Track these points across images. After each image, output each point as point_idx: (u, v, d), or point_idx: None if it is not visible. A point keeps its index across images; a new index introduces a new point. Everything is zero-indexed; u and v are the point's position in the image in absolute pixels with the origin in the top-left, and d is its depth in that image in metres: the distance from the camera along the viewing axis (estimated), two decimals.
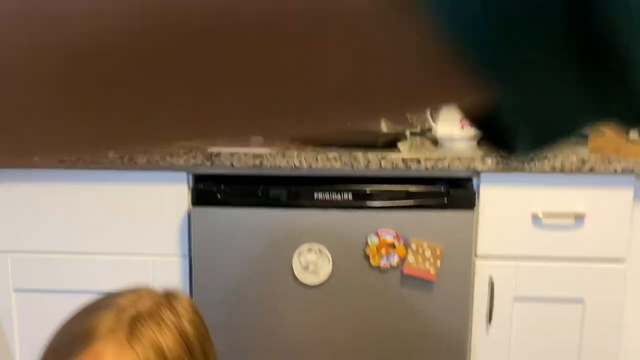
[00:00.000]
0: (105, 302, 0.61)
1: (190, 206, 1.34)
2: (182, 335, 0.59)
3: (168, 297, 0.63)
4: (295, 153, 1.30)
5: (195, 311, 0.65)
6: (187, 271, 1.36)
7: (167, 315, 0.60)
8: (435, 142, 1.48)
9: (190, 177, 1.36)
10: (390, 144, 1.40)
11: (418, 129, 1.63)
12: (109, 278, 1.30)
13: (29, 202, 1.38)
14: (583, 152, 1.30)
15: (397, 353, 1.30)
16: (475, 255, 1.33)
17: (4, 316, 1.41)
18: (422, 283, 1.29)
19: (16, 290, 1.41)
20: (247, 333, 1.33)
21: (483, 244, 1.33)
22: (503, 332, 1.36)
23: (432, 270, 1.28)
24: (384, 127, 1.38)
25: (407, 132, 1.59)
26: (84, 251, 1.38)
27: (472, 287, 1.32)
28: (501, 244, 1.34)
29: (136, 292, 0.63)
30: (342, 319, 1.31)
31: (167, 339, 0.58)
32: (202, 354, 0.61)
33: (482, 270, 1.34)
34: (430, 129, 1.50)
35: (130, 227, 1.38)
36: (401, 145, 1.43)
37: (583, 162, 1.26)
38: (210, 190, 1.31)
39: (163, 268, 1.35)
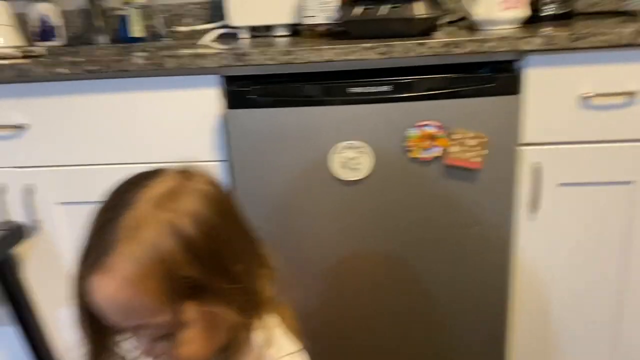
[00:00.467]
0: (135, 189, 0.62)
1: (224, 109, 1.31)
2: (185, 241, 0.59)
3: (174, 191, 0.63)
4: (328, 46, 1.24)
5: (210, 202, 0.64)
6: (227, 176, 1.36)
7: (165, 219, 0.59)
8: (474, 28, 1.40)
9: (222, 79, 1.32)
10: (426, 33, 1.33)
11: (455, 16, 1.54)
12: None
13: (65, 115, 1.37)
14: (635, 25, 1.21)
15: (441, 244, 1.30)
16: (520, 143, 1.29)
17: (51, 229, 1.45)
18: (465, 173, 1.26)
19: (61, 204, 1.44)
20: (292, 232, 1.34)
21: (528, 130, 1.28)
22: (549, 220, 1.33)
23: (476, 159, 1.24)
24: (420, 10, 1.30)
25: (444, 20, 1.51)
26: (122, 162, 1.38)
27: (517, 175, 1.29)
28: (547, 130, 1.29)
29: (159, 174, 0.64)
30: (384, 214, 1.31)
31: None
32: (216, 259, 0.61)
33: (528, 158, 1.30)
34: (468, 16, 1.42)
35: (166, 136, 1.37)
36: (438, 34, 1.35)
37: (638, 33, 1.18)
38: (243, 92, 1.28)
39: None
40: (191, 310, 0.59)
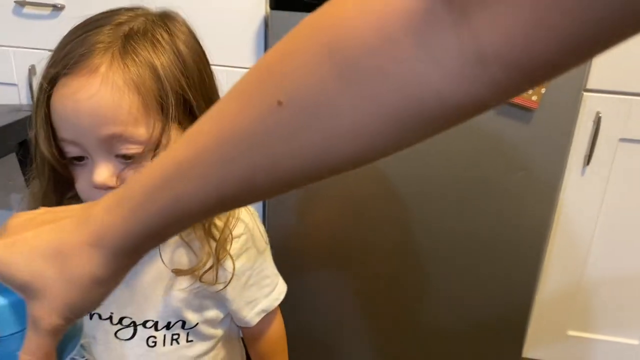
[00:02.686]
0: (102, 19, 0.58)
1: (268, 10, 1.22)
2: (177, 54, 0.57)
3: (164, 17, 0.60)
4: None
5: (192, 33, 0.62)
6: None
7: (161, 34, 0.57)
8: None
9: None
10: None
11: None
12: None
13: None
14: None
15: (481, 186, 1.22)
16: (584, 89, 1.18)
17: None
18: (519, 113, 1.17)
19: None
20: None
21: (594, 76, 1.17)
22: (601, 174, 1.24)
23: (534, 98, 1.14)
24: None
25: None
26: None
27: (576, 123, 1.19)
28: (614, 77, 1.17)
29: (132, 11, 0.60)
30: (426, 148, 1.23)
31: (160, 58, 0.55)
32: (198, 76, 0.58)
33: (590, 106, 1.19)
34: None
35: (204, 35, 1.29)
36: None
37: None
38: None
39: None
40: (173, 132, 0.55)
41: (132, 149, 0.54)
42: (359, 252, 1.30)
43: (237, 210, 0.64)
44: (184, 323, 0.67)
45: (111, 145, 0.54)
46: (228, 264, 0.64)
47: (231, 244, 0.63)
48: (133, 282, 0.64)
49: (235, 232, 0.64)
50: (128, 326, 0.66)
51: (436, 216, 1.25)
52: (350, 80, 0.27)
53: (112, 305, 0.66)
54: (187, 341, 0.67)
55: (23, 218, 0.36)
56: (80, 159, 0.56)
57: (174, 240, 0.62)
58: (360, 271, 1.31)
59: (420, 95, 0.26)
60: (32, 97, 1.34)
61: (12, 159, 1.36)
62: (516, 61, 0.24)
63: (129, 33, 0.55)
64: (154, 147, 0.55)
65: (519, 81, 0.25)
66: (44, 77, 0.55)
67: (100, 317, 0.67)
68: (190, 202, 0.31)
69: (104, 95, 0.52)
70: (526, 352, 1.33)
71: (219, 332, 0.70)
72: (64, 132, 0.55)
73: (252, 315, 0.69)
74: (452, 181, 1.23)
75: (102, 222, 0.32)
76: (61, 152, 0.57)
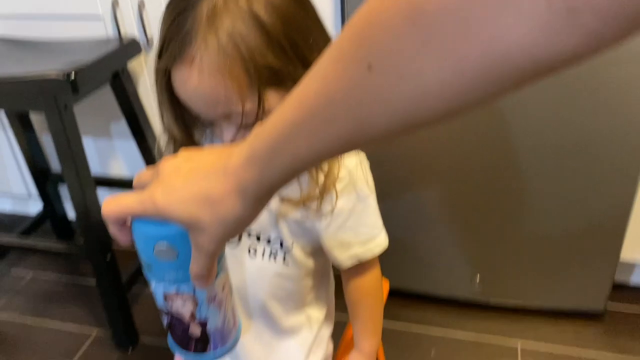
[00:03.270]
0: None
1: None
2: (259, 26, 0.56)
3: None
4: None
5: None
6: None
7: (240, 7, 0.56)
8: None
9: None
10: None
11: None
12: None
13: None
14: None
15: (585, 83, 1.15)
16: None
17: None
18: None
19: None
20: None
21: None
22: None
23: None
24: None
25: None
26: None
27: None
28: None
29: None
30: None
31: (243, 33, 0.56)
32: (286, 41, 0.58)
33: None
34: None
35: None
36: None
37: None
38: None
39: None
40: (274, 97, 0.59)
41: (243, 120, 0.60)
42: (461, 166, 1.28)
43: (351, 159, 0.67)
44: (282, 243, 0.70)
45: (226, 118, 0.61)
46: (330, 200, 0.66)
47: (334, 184, 0.66)
48: None
49: (338, 174, 0.66)
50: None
51: (535, 124, 1.19)
52: (435, 41, 0.27)
53: None
54: (283, 261, 0.71)
55: (171, 165, 0.42)
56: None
57: None
58: (461, 185, 1.30)
59: (507, 51, 0.26)
60: (118, 29, 1.39)
61: (107, 90, 1.43)
62: (609, 6, 0.23)
63: (212, 13, 0.56)
64: (260, 112, 0.59)
65: (616, 28, 0.24)
66: (157, 69, 0.61)
67: None
68: (304, 157, 0.36)
69: (205, 85, 0.57)
70: (624, 254, 1.29)
71: (310, 262, 0.73)
72: (191, 110, 0.61)
73: (343, 258, 0.71)
74: (551, 86, 1.16)
75: (242, 176, 0.38)
76: (187, 125, 0.65)
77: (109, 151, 1.67)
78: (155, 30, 1.39)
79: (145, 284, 1.55)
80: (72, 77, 1.13)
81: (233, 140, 0.62)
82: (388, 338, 1.36)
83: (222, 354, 0.54)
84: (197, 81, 0.57)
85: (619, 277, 1.44)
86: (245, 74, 0.57)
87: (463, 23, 0.26)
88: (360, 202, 0.69)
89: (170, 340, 0.54)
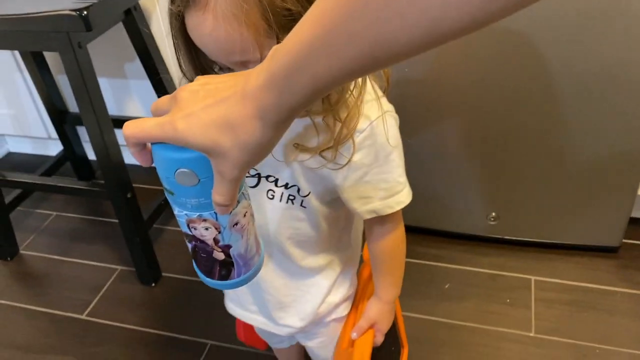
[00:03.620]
0: None
1: None
2: None
3: None
4: None
5: None
6: None
7: None
8: None
9: None
10: None
11: None
12: None
13: None
14: None
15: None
16: None
17: None
18: None
19: None
20: None
21: None
22: None
23: None
24: None
25: None
26: None
27: None
28: None
29: None
30: None
31: None
32: None
33: None
34: None
35: None
36: None
37: None
38: None
39: None
40: None
41: (243, 58, 0.56)
42: (477, 102, 1.27)
43: (361, 106, 0.64)
44: (299, 189, 0.70)
45: (243, 65, 0.57)
46: (347, 151, 0.65)
47: (352, 135, 0.64)
48: None
49: (357, 127, 0.64)
50: (253, 176, 0.71)
51: (554, 57, 1.16)
52: None
53: None
54: (301, 206, 0.71)
55: (189, 90, 0.41)
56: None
57: (302, 116, 0.64)
58: (476, 122, 1.29)
59: None
60: None
61: (121, 30, 1.41)
62: None
63: None
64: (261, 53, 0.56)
65: None
66: (171, 14, 0.58)
67: None
68: (324, 77, 0.35)
69: (219, 30, 0.54)
70: None
71: (329, 210, 0.73)
72: (207, 55, 0.59)
73: (362, 211, 0.70)
74: (571, 13, 1.12)
75: (261, 99, 0.38)
76: (205, 70, 0.62)
77: (125, 91, 1.68)
78: None
79: (166, 221, 1.59)
80: (85, 13, 1.12)
81: None
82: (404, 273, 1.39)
83: (246, 281, 0.55)
84: (211, 27, 0.54)
85: (636, 213, 1.44)
86: (263, 20, 0.54)
87: None
88: (381, 157, 0.67)
89: (195, 267, 0.55)
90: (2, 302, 1.46)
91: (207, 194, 0.45)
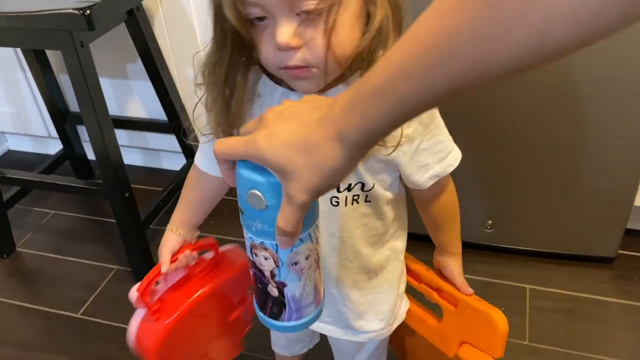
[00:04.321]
0: None
1: None
2: None
3: None
4: None
5: None
6: None
7: None
8: None
9: None
10: None
11: None
12: None
13: None
14: None
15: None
16: None
17: None
18: None
19: None
20: None
21: None
22: None
23: None
24: None
25: None
26: None
27: None
28: None
29: None
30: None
31: None
32: None
33: None
34: None
35: None
36: None
37: None
38: None
39: None
40: None
41: (312, 4, 0.54)
42: (476, 110, 1.27)
43: None
44: (363, 185, 0.70)
45: (292, 2, 0.54)
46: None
47: None
48: None
49: None
50: None
51: (552, 69, 1.17)
52: None
53: None
54: (366, 201, 0.71)
55: (275, 111, 0.43)
56: (261, 19, 0.57)
57: None
58: (475, 129, 1.29)
59: None
60: None
61: (123, 31, 1.42)
62: None
63: None
64: (333, 5, 0.55)
65: None
66: None
67: None
68: (412, 100, 0.34)
69: None
70: (638, 201, 1.29)
71: (390, 194, 0.73)
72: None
73: (424, 180, 0.70)
74: None
75: (343, 121, 0.37)
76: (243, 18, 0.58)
77: (126, 92, 1.69)
78: None
79: (164, 222, 1.58)
80: (88, 12, 1.13)
81: (290, 37, 0.55)
82: None
83: (294, 329, 0.54)
84: None
85: (632, 224, 1.44)
86: None
87: None
88: (432, 122, 0.68)
89: (254, 298, 0.55)
90: None
91: (272, 222, 0.44)
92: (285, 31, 0.55)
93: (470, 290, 0.81)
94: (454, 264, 0.83)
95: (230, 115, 0.65)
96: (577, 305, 1.31)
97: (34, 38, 1.23)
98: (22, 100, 1.81)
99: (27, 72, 1.69)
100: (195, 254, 0.82)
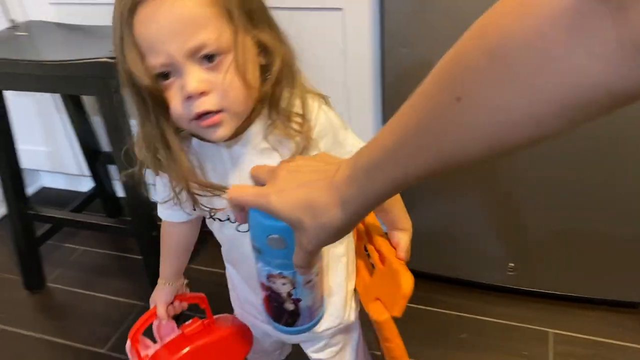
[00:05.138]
0: None
1: None
2: None
3: None
4: None
5: None
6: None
7: None
8: None
9: None
10: None
11: None
12: None
13: None
14: None
15: None
16: None
17: None
18: None
19: None
20: None
21: None
22: None
23: None
24: None
25: None
26: None
27: None
28: None
29: None
30: None
31: None
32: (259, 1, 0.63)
33: None
34: None
35: None
36: None
37: None
38: None
39: None
40: (241, 36, 0.60)
41: (216, 51, 0.59)
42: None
43: (313, 107, 0.69)
44: None
45: (196, 53, 0.58)
46: (315, 149, 0.69)
47: (314, 130, 0.68)
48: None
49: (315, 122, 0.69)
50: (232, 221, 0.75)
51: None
52: (515, 78, 0.31)
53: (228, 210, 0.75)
54: None
55: (287, 169, 0.49)
56: (166, 76, 0.60)
57: (262, 148, 0.69)
58: (501, 174, 1.30)
59: (582, 86, 0.28)
60: None
61: None
62: None
63: None
64: (231, 50, 0.59)
65: None
66: (123, 6, 0.58)
67: (220, 219, 0.76)
68: (398, 180, 0.40)
69: (182, 9, 0.57)
70: None
71: None
72: (151, 55, 0.59)
73: None
74: None
75: (344, 191, 0.44)
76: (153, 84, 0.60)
77: None
78: None
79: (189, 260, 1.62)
80: None
81: (198, 83, 0.59)
82: (420, 320, 1.39)
83: (307, 329, 0.62)
84: (169, 7, 0.56)
85: None
86: (224, 4, 0.59)
87: (540, 62, 0.29)
88: (337, 130, 0.71)
89: (264, 312, 0.63)
90: (26, 333, 1.50)
91: (291, 257, 0.51)
92: (193, 78, 0.58)
93: (402, 255, 0.79)
94: (402, 237, 0.81)
95: (178, 173, 0.68)
96: (602, 351, 1.29)
97: (71, 84, 1.30)
98: (57, 139, 1.89)
99: (63, 113, 1.77)
100: (185, 304, 0.92)
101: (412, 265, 0.73)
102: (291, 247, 0.50)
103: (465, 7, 1.04)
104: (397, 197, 0.81)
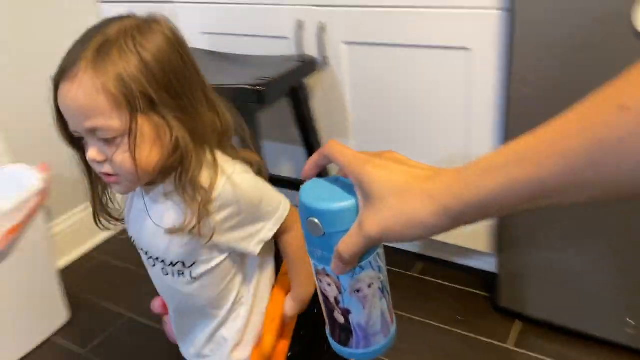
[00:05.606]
0: (94, 29, 0.68)
1: None
2: (140, 60, 0.65)
3: (140, 26, 0.68)
4: None
5: (171, 42, 0.69)
6: (506, 24, 1.20)
7: (127, 44, 0.65)
8: None
9: None
10: None
11: None
12: (430, 31, 1.33)
13: None
14: None
15: None
16: None
17: (336, 66, 1.52)
18: None
19: (347, 44, 1.47)
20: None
21: None
22: None
23: None
24: None
25: None
26: (410, 5, 1.33)
27: None
28: None
29: (119, 21, 0.68)
30: None
31: (124, 64, 0.64)
32: (162, 76, 0.66)
33: None
34: None
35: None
36: None
37: None
38: None
39: (479, 21, 1.25)
40: (143, 122, 0.66)
41: (109, 135, 0.67)
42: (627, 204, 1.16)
43: (219, 180, 0.72)
44: (183, 263, 0.78)
45: (94, 132, 0.67)
46: (211, 220, 0.71)
47: (213, 204, 0.71)
48: (143, 230, 0.80)
49: (218, 194, 0.72)
50: (150, 258, 0.82)
51: None
52: None
53: (142, 242, 0.82)
54: (191, 277, 0.78)
55: (395, 156, 0.44)
56: (81, 139, 0.71)
57: (164, 201, 0.75)
58: (625, 222, 1.19)
59: None
60: (301, 48, 1.51)
61: (284, 101, 1.53)
62: None
63: (103, 44, 0.65)
64: (126, 134, 0.66)
65: None
66: (54, 79, 0.67)
67: (142, 250, 0.83)
68: (521, 181, 0.35)
69: (81, 97, 0.65)
70: None
71: (221, 257, 0.78)
72: (68, 122, 0.69)
73: (251, 246, 0.77)
74: None
75: (442, 184, 0.39)
76: (72, 137, 0.71)
77: (281, 154, 1.69)
78: (331, 51, 1.51)
79: None
80: (261, 89, 1.29)
81: (100, 154, 0.68)
82: None
83: (364, 356, 0.52)
84: (74, 94, 0.65)
85: None
86: (121, 93, 0.64)
87: None
88: (244, 204, 0.74)
89: (326, 326, 0.55)
90: None
91: (332, 250, 0.45)
92: (92, 149, 0.69)
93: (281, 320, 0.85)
94: (290, 306, 0.85)
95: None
96: None
97: None
98: None
99: None
100: None
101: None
102: (330, 236, 0.44)
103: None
104: (303, 267, 0.82)
